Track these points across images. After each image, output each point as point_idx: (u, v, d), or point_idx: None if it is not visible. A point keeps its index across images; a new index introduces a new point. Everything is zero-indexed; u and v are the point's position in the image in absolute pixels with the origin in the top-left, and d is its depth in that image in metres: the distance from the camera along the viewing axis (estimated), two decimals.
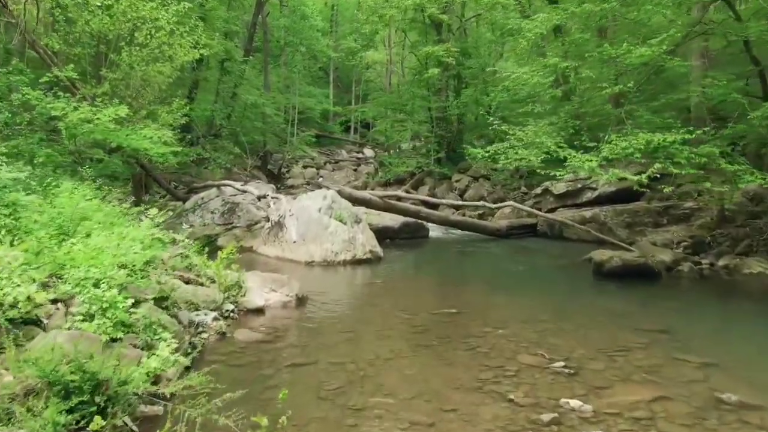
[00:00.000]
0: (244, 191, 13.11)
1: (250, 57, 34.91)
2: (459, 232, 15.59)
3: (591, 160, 8.59)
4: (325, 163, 35.67)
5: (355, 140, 43.01)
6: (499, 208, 15.30)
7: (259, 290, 7.99)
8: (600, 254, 10.14)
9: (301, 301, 8.04)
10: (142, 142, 11.88)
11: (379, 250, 12.01)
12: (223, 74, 24.77)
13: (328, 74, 45.19)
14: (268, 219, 12.92)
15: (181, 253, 7.57)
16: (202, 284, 7.21)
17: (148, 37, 13.06)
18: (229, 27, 25.57)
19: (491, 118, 10.96)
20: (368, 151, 39.20)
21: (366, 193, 13.95)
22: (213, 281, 7.70)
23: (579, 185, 15.60)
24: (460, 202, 15.83)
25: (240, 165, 29.64)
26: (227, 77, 25.37)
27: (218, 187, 13.80)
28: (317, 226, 11.74)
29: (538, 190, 16.64)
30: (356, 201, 13.68)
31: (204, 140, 22.35)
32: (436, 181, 22.39)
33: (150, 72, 14.34)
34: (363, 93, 44.16)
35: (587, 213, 14.40)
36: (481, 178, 21.93)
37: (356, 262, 11.44)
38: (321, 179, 31.58)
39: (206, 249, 9.71)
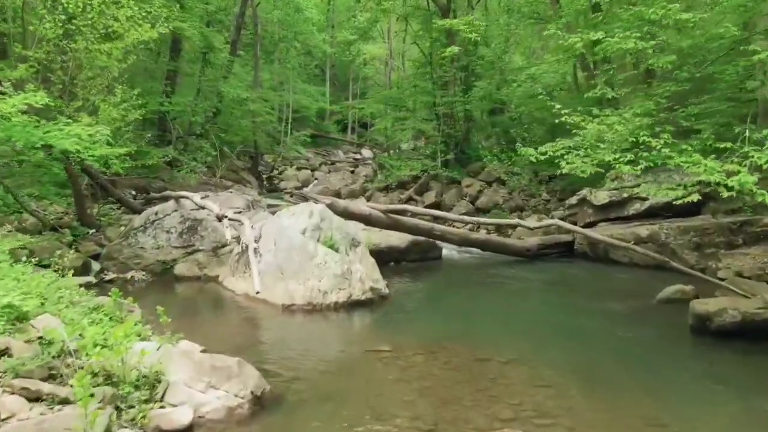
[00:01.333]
0: (203, 207, 9.66)
1: (239, 52, 31.56)
2: (475, 250, 12.17)
3: (739, 171, 5.22)
4: (320, 165, 32.27)
5: (353, 140, 39.60)
6: (540, 228, 11.81)
7: (188, 388, 4.58)
8: (701, 303, 6.76)
9: (260, 402, 4.65)
10: (63, 141, 8.45)
11: (382, 285, 8.60)
12: (206, 66, 21.23)
13: (325, 72, 41.73)
14: (238, 240, 9.51)
15: (40, 338, 4.14)
16: (66, 401, 3.77)
17: (80, 5, 9.63)
18: (211, 13, 22.07)
19: (557, 106, 7.55)
20: (366, 152, 35.98)
21: (365, 207, 10.53)
22: (108, 377, 4.30)
23: (624, 194, 12.21)
24: (489, 220, 12.30)
25: (228, 167, 26.29)
26: (210, 70, 21.85)
27: (176, 199, 10.36)
28: (300, 255, 8.33)
29: (573, 200, 13.20)
30: (353, 216, 10.28)
31: (178, 140, 18.86)
32: (444, 185, 18.97)
33: (95, 54, 10.96)
34: (361, 91, 40.73)
35: (643, 230, 11.00)
36: (495, 182, 18.53)
37: (352, 305, 8.04)
38: (316, 181, 28.27)
39: (124, 305, 6.31)
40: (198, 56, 21.48)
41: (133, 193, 14.10)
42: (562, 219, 14.01)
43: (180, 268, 9.95)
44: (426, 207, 18.17)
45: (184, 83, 22.86)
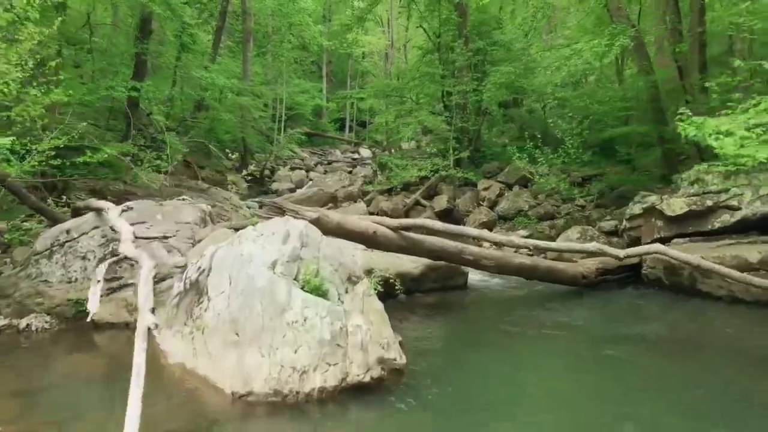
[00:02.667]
0: (113, 228, 6.27)
1: (228, 42, 28.25)
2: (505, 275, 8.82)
3: None
4: (316, 165, 29.03)
5: (351, 139, 36.26)
6: (638, 256, 8.38)
7: None
8: None
9: None
10: None
11: (395, 352, 5.22)
12: (182, 51, 17.79)
13: (321, 68, 38.33)
14: (184, 271, 6.21)
15: None
16: None
17: None
18: None
19: None
20: (365, 151, 32.80)
21: (368, 223, 7.13)
22: None
23: (708, 202, 8.91)
24: (557, 245, 8.69)
25: (212, 167, 23.03)
26: (189, 57, 18.42)
27: (98, 211, 6.98)
28: (266, 305, 4.99)
29: (636, 209, 9.82)
30: (350, 235, 6.95)
31: (140, 135, 15.48)
32: (456, 189, 15.66)
33: None
34: (360, 88, 37.30)
35: (751, 252, 7.69)
36: (516, 184, 15.23)
37: (349, 393, 4.70)
38: (310, 182, 25.02)
39: None
40: (174, 41, 18.11)
41: (64, 199, 10.70)
42: (615, 231, 10.75)
43: (100, 311, 6.61)
44: (437, 213, 14.92)
45: (162, 74, 19.56)
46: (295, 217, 6.40)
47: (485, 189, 15.17)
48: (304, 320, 4.90)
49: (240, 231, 6.37)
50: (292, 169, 27.54)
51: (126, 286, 6.72)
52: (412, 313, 7.43)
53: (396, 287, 6.94)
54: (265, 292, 5.08)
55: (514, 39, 16.78)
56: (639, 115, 12.83)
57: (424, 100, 18.59)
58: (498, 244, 7.89)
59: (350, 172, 26.61)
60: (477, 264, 7.62)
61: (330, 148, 34.11)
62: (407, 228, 7.12)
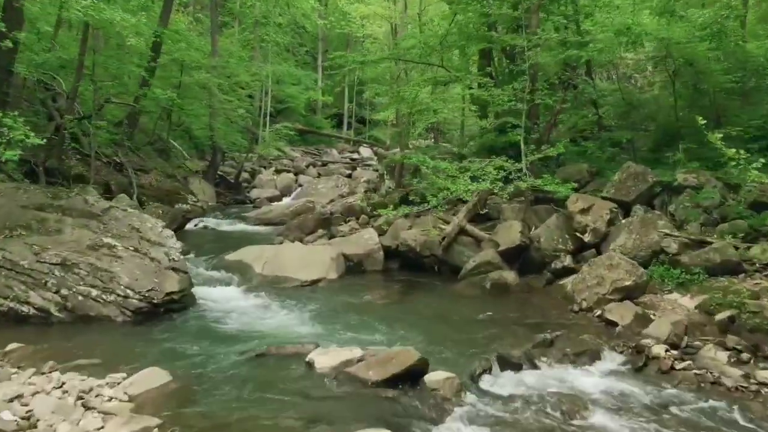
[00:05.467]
0: None
1: (198, 15, 21.22)
2: None
3: None
4: (308, 166, 21.99)
5: (349, 137, 29.21)
6: None
7: None
8: None
9: None
10: None
11: None
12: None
13: (316, 58, 31.17)
14: None
15: None
16: None
17: None
18: None
19: None
20: (365, 151, 25.98)
21: None
22: None
23: None
24: None
25: (165, 170, 15.91)
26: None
27: None
28: None
29: None
30: None
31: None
32: (528, 208, 8.63)
33: None
34: (360, 80, 30.07)
35: None
36: (638, 203, 8.21)
37: None
38: (299, 189, 18.18)
39: None
40: None
41: None
42: None
43: None
44: (501, 253, 7.92)
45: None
46: None
47: (582, 211, 8.12)
48: None
49: None
50: (278, 171, 20.57)
51: None
52: None
53: None
54: None
55: None
56: None
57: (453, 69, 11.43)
58: None
59: (349, 176, 19.68)
60: None
61: (326, 147, 27.10)
62: None
